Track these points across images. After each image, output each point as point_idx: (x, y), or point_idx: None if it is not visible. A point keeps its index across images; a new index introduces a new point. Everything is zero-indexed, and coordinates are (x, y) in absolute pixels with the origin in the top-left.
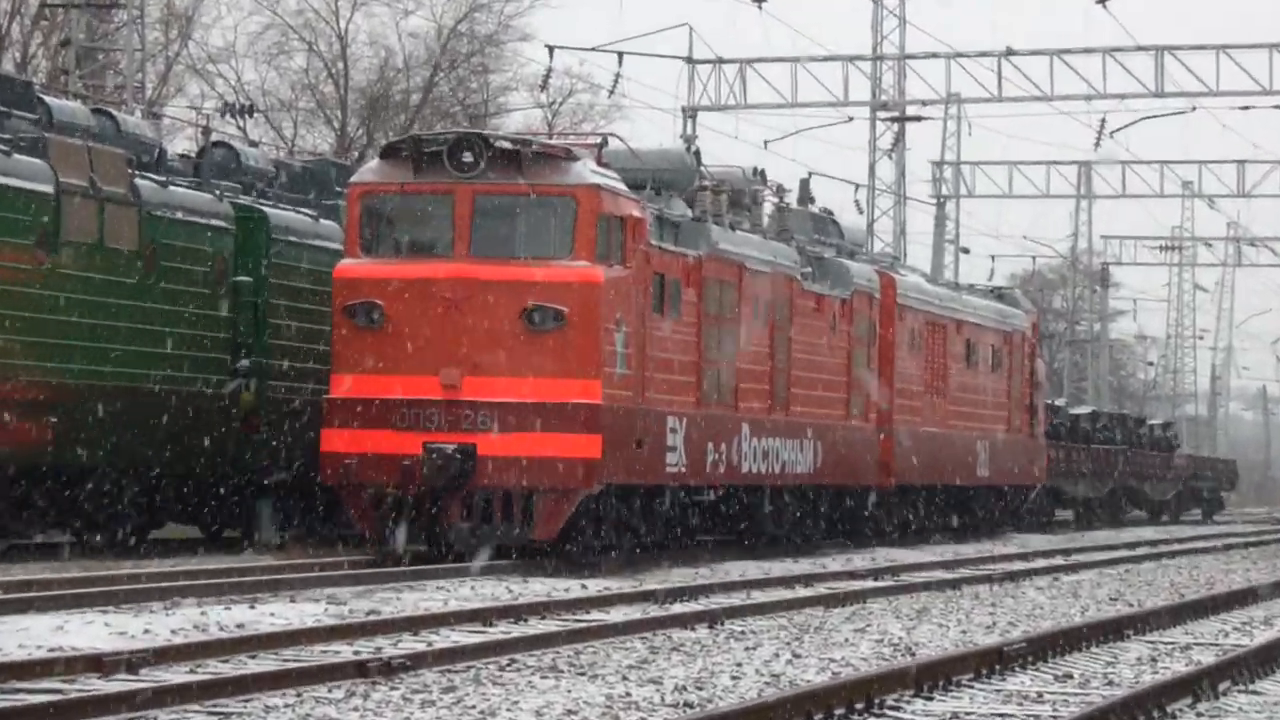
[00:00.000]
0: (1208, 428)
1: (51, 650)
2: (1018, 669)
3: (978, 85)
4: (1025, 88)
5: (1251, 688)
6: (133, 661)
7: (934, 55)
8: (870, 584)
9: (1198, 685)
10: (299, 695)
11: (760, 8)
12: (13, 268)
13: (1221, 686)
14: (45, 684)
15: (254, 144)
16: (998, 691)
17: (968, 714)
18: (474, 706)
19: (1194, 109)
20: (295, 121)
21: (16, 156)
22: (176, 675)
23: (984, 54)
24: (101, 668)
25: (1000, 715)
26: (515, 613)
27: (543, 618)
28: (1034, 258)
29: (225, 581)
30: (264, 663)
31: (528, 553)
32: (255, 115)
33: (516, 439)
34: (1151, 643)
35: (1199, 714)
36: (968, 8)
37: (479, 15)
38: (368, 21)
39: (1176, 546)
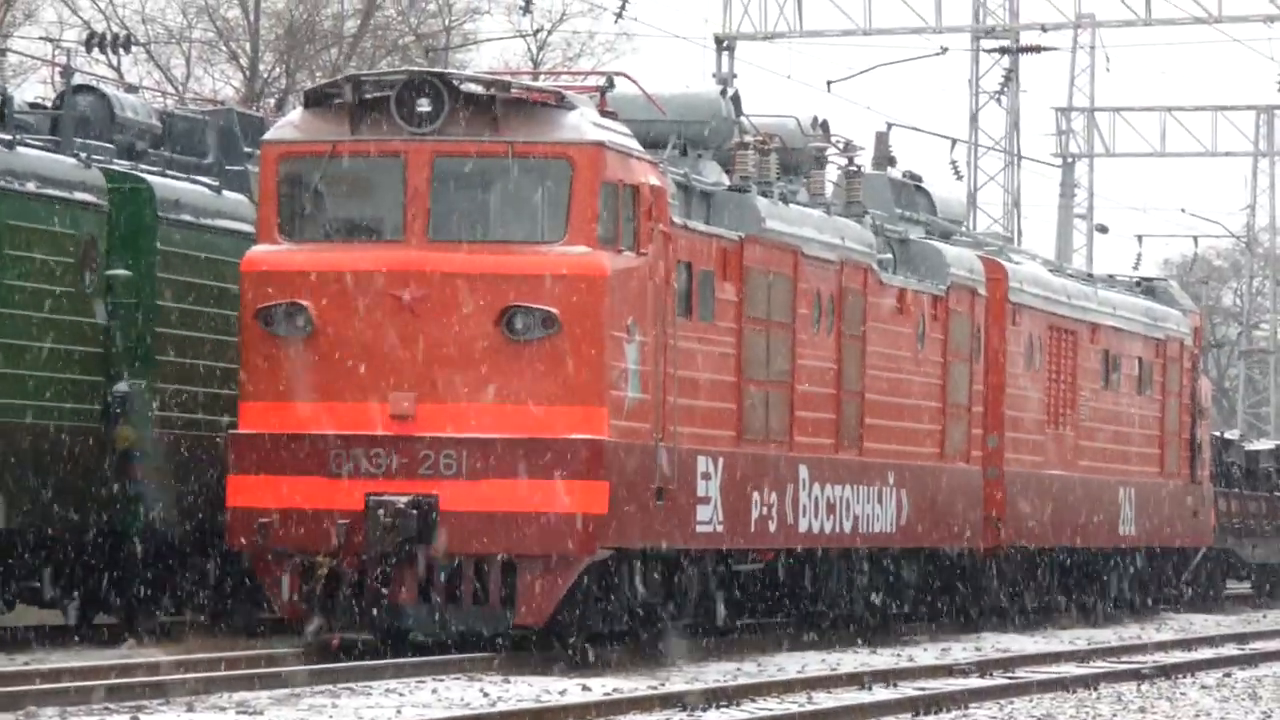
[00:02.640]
0: None
1: None
2: None
3: (1118, 2)
4: (1184, 6)
5: None
6: None
7: None
8: (974, 682)
9: None
10: None
11: None
12: None
13: None
14: None
15: (132, 88)
16: None
17: None
18: None
19: None
20: (188, 58)
21: None
22: None
23: None
24: None
25: None
26: None
27: None
28: (1195, 238)
29: (98, 684)
30: None
31: (508, 641)
32: (134, 49)
33: (492, 487)
34: None
35: None
36: None
37: None
38: None
39: None
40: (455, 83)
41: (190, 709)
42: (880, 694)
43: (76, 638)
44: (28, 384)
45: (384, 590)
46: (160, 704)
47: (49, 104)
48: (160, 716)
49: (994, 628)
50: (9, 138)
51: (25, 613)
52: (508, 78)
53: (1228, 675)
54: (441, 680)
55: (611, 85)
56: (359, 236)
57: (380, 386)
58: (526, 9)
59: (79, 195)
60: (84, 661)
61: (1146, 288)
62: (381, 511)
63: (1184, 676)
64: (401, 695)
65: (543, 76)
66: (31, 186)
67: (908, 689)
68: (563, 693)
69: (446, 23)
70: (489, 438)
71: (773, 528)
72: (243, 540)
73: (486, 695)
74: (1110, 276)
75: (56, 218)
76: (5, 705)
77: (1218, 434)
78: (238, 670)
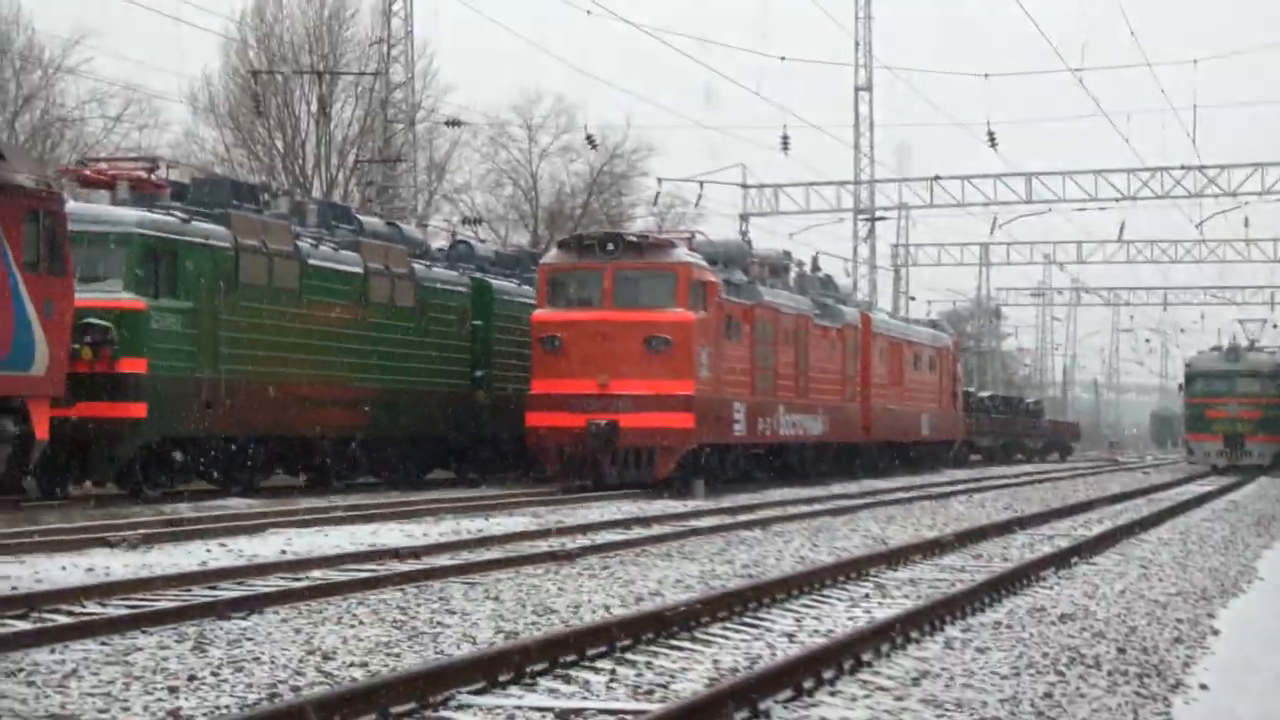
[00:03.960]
0: (1061, 403)
1: (370, 545)
2: (949, 552)
3: (918, 197)
4: (946, 199)
5: (1091, 561)
6: (417, 552)
7: (890, 180)
8: (858, 502)
9: (1058, 560)
10: (516, 571)
11: (786, 154)
12: (343, 317)
13: (1073, 560)
14: (366, 565)
15: (482, 241)
16: (937, 565)
17: (920, 578)
18: (621, 578)
19: (1049, 210)
20: (506, 227)
21: (342, 251)
22: (442, 560)
23: (922, 178)
24: (398, 556)
25: (939, 578)
26: (644, 522)
27: (660, 524)
28: (954, 301)
29: (471, 504)
30: (494, 552)
31: (650, 485)
32: (482, 224)
33: (644, 416)
34: (1030, 534)
35: (1060, 578)
36: (918, 150)
37: (616, 160)
38: (549, 165)
39: (1044, 476)
40: (624, 236)
41: (510, 515)
42: (817, 507)
43: (458, 484)
44: (447, 370)
45: (595, 463)
46: (498, 513)
47: (446, 248)
48: (498, 518)
49: (867, 477)
50: (428, 264)
51: (435, 473)
52: (648, 234)
53: (970, 497)
54: (619, 502)
55: (694, 237)
56: (582, 305)
57: (593, 372)
58: (655, 203)
59: (459, 289)
60: (461, 492)
61: (931, 323)
62: (594, 427)
63: (951, 498)
64: (602, 509)
65: (664, 233)
66: (439, 285)
67: (830, 505)
68: (675, 508)
69: (620, 210)
70: (641, 394)
71: (768, 433)
72: (534, 439)
73: (641, 509)
74: (916, 319)
75: (453, 299)
76: (430, 514)
77: (967, 389)
78: (533, 495)
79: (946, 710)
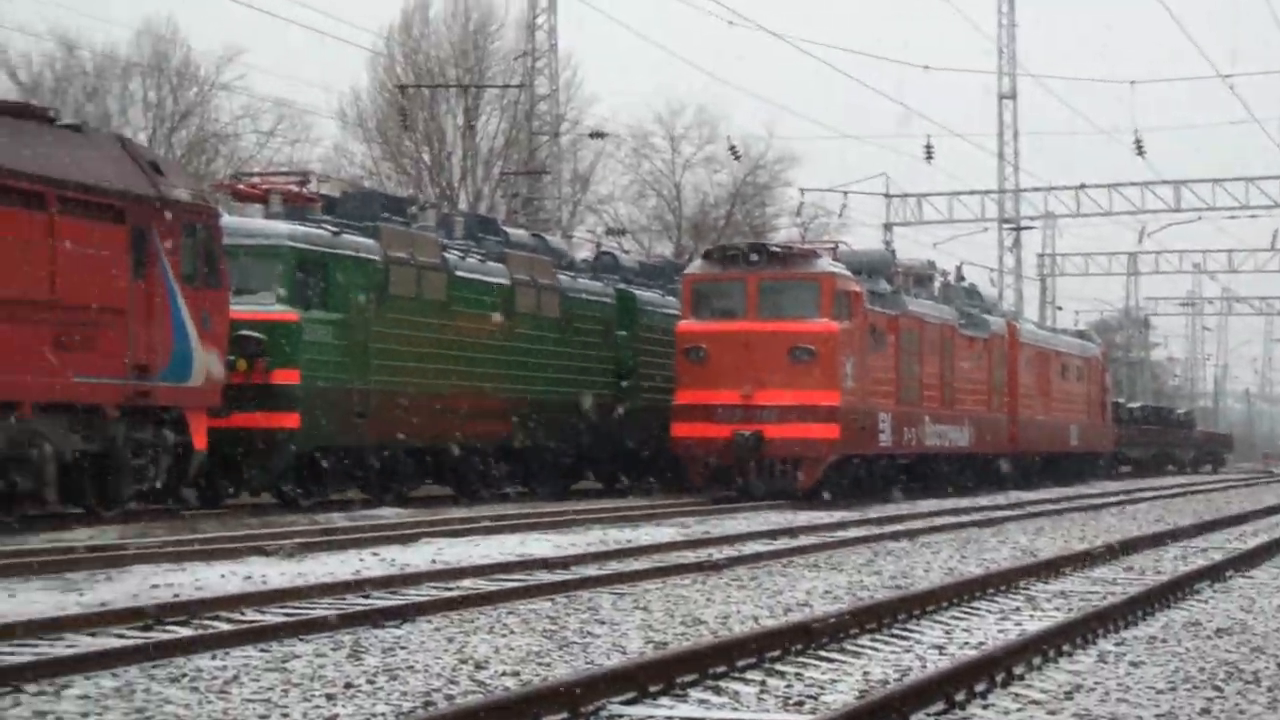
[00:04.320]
0: (1212, 414)
1: (519, 555)
2: (1100, 564)
3: (1064, 206)
4: (1093, 208)
5: (1247, 574)
6: (565, 562)
7: (1036, 189)
8: (1006, 513)
9: (1213, 573)
10: (664, 581)
11: (929, 162)
12: (489, 329)
13: (1228, 574)
14: (516, 575)
15: (626, 252)
16: (1087, 577)
17: (1071, 590)
18: (769, 589)
19: (1199, 218)
20: (650, 238)
21: (488, 263)
22: (591, 570)
23: (1068, 187)
24: (548, 566)
25: (1090, 591)
26: (790, 533)
27: (807, 535)
28: (1101, 311)
29: (620, 512)
30: (642, 562)
31: (795, 496)
32: (626, 234)
33: (788, 427)
34: (1183, 547)
35: (1214, 591)
36: (1061, 156)
37: (759, 170)
38: (692, 176)
39: (1196, 488)
40: (768, 246)
41: (657, 525)
42: (964, 518)
43: (604, 494)
44: (592, 381)
45: (740, 473)
46: (645, 524)
47: (591, 259)
48: (645, 528)
49: (1014, 488)
50: (573, 275)
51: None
52: (791, 244)
53: (1122, 509)
54: (766, 513)
55: (838, 247)
56: (726, 316)
57: (738, 382)
58: (799, 213)
59: (604, 299)
60: (608, 502)
61: (1078, 333)
62: (739, 438)
63: (1102, 510)
64: (749, 518)
65: (807, 243)
66: (585, 296)
67: (977, 516)
68: (820, 518)
69: (764, 220)
70: (786, 405)
71: (914, 443)
72: (679, 450)
73: (786, 519)
74: (1064, 329)
75: (598, 310)
76: (578, 524)
77: (1116, 400)
78: (680, 506)
79: None
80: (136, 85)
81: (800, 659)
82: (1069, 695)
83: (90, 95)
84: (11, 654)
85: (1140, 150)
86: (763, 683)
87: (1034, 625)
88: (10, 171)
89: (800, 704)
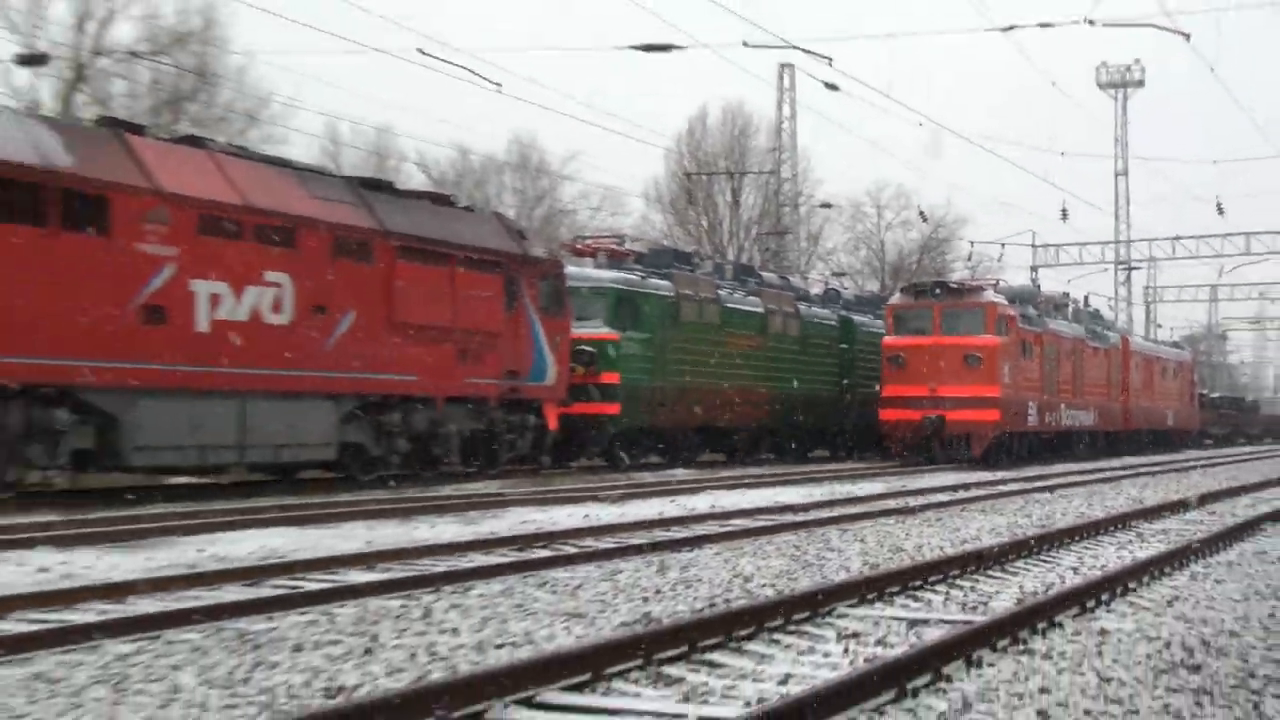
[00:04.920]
0: (1273, 402)
1: (774, 502)
2: (1190, 510)
3: (1163, 251)
4: (1184, 252)
5: None
6: (806, 507)
7: (1142, 239)
8: (1121, 473)
9: (1274, 516)
10: (875, 521)
11: (1064, 221)
12: (750, 344)
13: None
14: (771, 516)
15: (845, 288)
16: (1182, 519)
17: (1169, 529)
18: (950, 526)
19: (1266, 259)
20: (861, 278)
21: (749, 297)
22: (823, 513)
23: (1166, 238)
24: (793, 510)
25: (1183, 529)
26: (965, 487)
27: (976, 489)
28: (1191, 327)
29: (843, 473)
30: (859, 508)
31: (967, 462)
32: (845, 275)
33: (963, 412)
34: (1252, 497)
35: (1276, 528)
36: (1161, 213)
37: (940, 229)
38: (892, 234)
39: (1261, 456)
40: (949, 283)
41: (869, 481)
42: (1091, 477)
43: (831, 460)
44: (822, 380)
45: (929, 446)
46: (863, 480)
47: (821, 293)
48: (862, 483)
49: (1127, 456)
50: (808, 305)
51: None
52: (964, 281)
53: (1206, 470)
54: (946, 474)
55: (998, 283)
56: (918, 333)
57: (926, 380)
58: (969, 259)
59: (831, 322)
60: (834, 466)
61: (1174, 344)
62: (928, 421)
63: (1192, 470)
64: (934, 476)
65: (976, 280)
66: (817, 320)
67: (1101, 475)
68: (987, 476)
69: (943, 265)
70: (961, 396)
71: (1053, 424)
72: (884, 428)
73: (962, 479)
74: (1162, 341)
75: (826, 330)
76: (814, 480)
77: (1201, 392)
78: (884, 468)
79: (1193, 624)
80: (508, 178)
81: (973, 577)
82: (1169, 603)
83: (477, 185)
84: (433, 566)
85: (1220, 211)
86: (947, 593)
87: (1143, 553)
88: (429, 240)
89: (974, 608)
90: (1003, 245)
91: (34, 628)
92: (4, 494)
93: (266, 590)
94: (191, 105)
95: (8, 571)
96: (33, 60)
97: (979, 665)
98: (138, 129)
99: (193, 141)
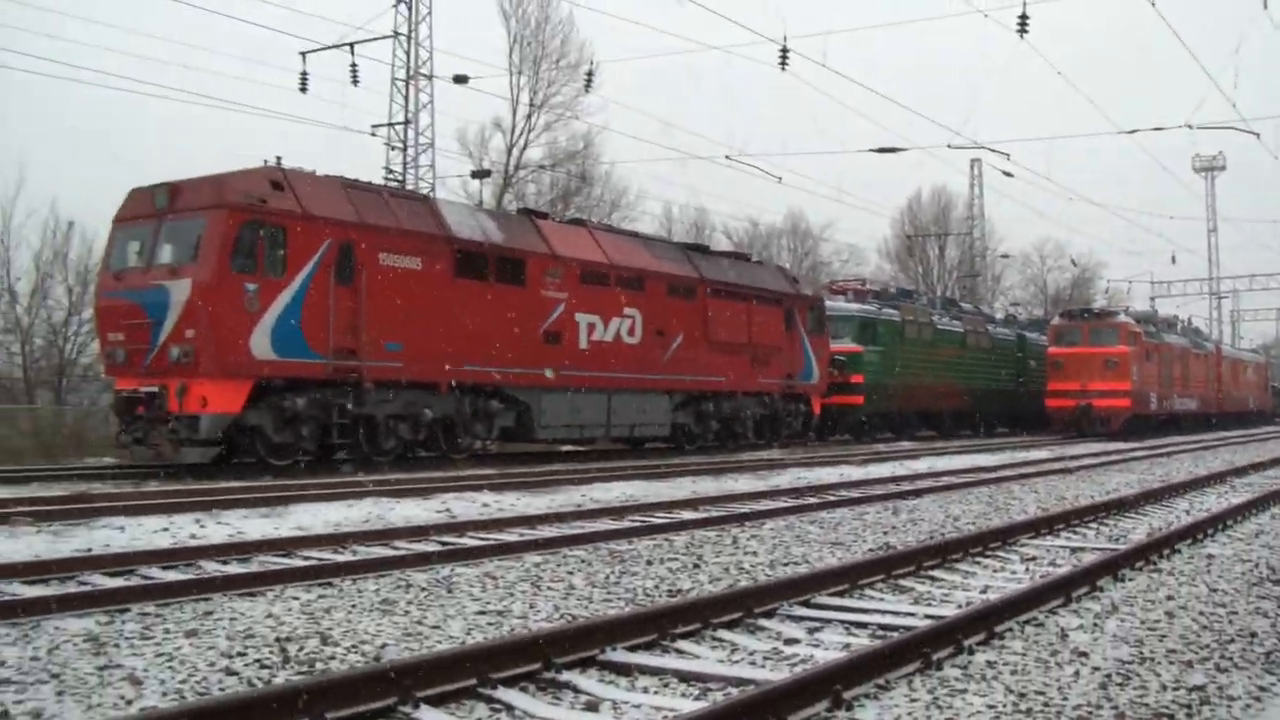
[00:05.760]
0: None
1: (971, 465)
2: (1270, 469)
3: (1247, 285)
4: (1263, 285)
5: None
6: (994, 468)
7: (1231, 276)
8: (1216, 443)
9: None
10: (1044, 478)
11: (1174, 264)
12: (953, 354)
13: None
14: (970, 474)
15: (1019, 313)
16: (1264, 475)
17: (1253, 482)
18: (1097, 481)
19: None
20: (1030, 306)
21: (953, 321)
22: (1007, 472)
23: (1248, 275)
24: (986, 470)
25: (1265, 481)
26: (1106, 454)
27: (1114, 455)
28: (1265, 340)
29: (1019, 444)
30: (1032, 468)
31: (1107, 436)
32: (1019, 305)
33: (1104, 401)
34: None
35: None
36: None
37: (1086, 270)
38: (1051, 276)
39: None
40: (1091, 309)
41: (1037, 450)
42: (1195, 446)
43: (1010, 435)
44: (1003, 379)
45: (1080, 422)
46: (1034, 450)
47: (1006, 319)
48: (1034, 452)
49: (1220, 430)
50: (996, 325)
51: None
52: (1104, 308)
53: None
54: (1091, 444)
55: (1128, 309)
56: (1072, 345)
57: (1078, 378)
58: (1106, 292)
59: (1010, 338)
60: (1013, 439)
61: (1253, 351)
62: (1080, 406)
63: (1268, 440)
64: (1085, 446)
65: (1111, 306)
66: (1000, 337)
67: (1201, 445)
68: (1119, 446)
69: (1088, 296)
70: (1103, 389)
71: (1168, 409)
72: (1049, 413)
73: (1104, 446)
74: (1245, 349)
75: (1007, 344)
76: (1019, 448)
77: (1275, 384)
78: (1047, 440)
79: (1275, 550)
80: (785, 240)
81: (1115, 517)
82: (1256, 535)
83: (764, 246)
84: (737, 508)
85: None
86: (1097, 529)
87: (1236, 499)
88: (732, 284)
89: (1117, 540)
90: (1130, 282)
91: (481, 543)
92: (460, 455)
93: (626, 523)
94: (576, 198)
95: (463, 505)
96: (480, 174)
97: (1122, 580)
98: (542, 215)
99: (576, 222)
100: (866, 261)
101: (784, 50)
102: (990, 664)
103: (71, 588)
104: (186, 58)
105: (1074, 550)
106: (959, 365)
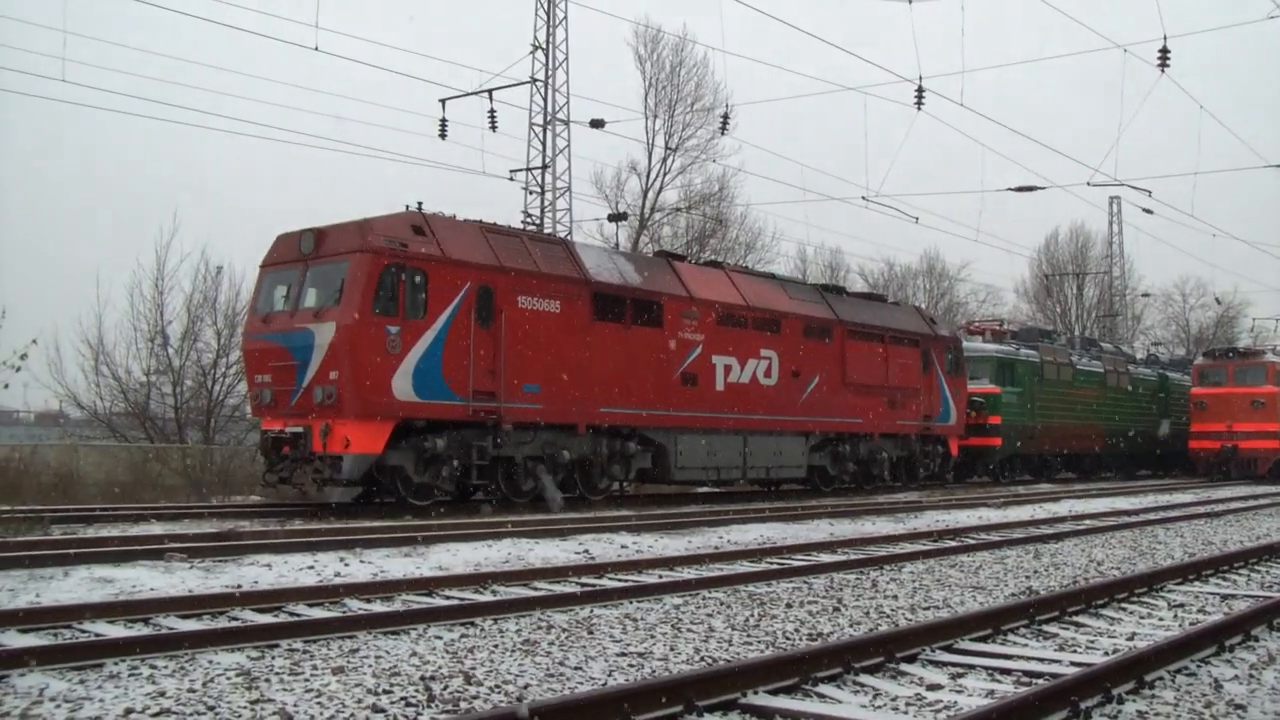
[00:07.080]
0: None
1: (1111, 508)
2: None
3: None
4: None
5: None
6: (1137, 511)
7: None
8: None
9: None
10: (1189, 521)
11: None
12: (1095, 395)
13: None
14: (1113, 518)
15: (1161, 353)
16: None
17: None
18: (1245, 525)
19: None
20: (1172, 346)
21: (1093, 361)
22: (1150, 516)
23: None
24: (1128, 514)
25: None
26: (1255, 497)
27: (1263, 499)
28: None
29: (1163, 487)
30: (1176, 512)
31: (1256, 479)
32: (1160, 345)
33: (1251, 443)
34: None
35: None
36: None
37: (1229, 310)
38: (1194, 314)
39: None
40: (1236, 348)
41: (1181, 493)
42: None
43: (1152, 478)
44: (1146, 420)
45: (1223, 466)
46: (1177, 494)
47: (1146, 359)
48: (1177, 495)
49: None
50: (1137, 365)
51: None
52: (1248, 347)
53: None
54: (1238, 487)
55: (1276, 347)
56: (1216, 385)
57: (1223, 420)
58: (1251, 329)
59: (1151, 378)
60: (1155, 481)
61: None
62: (1225, 448)
63: None
64: (1231, 489)
65: (1256, 344)
66: (1142, 376)
67: None
68: (1267, 487)
69: (1233, 335)
70: (1249, 431)
71: (1231, 432)
72: (1192, 455)
73: (1251, 489)
74: None
75: (1148, 384)
76: (1161, 491)
77: None
78: (1191, 483)
79: None
80: (921, 280)
81: (1268, 563)
82: None
83: (900, 286)
84: (875, 551)
85: None
86: (1248, 575)
87: None
88: (868, 325)
89: (1269, 587)
90: (1277, 320)
91: (620, 584)
92: (597, 496)
93: (765, 565)
94: (711, 240)
95: (601, 547)
96: (617, 218)
97: (1278, 629)
98: (679, 257)
99: (713, 264)
100: (1004, 301)
101: (919, 89)
102: (1141, 714)
103: (223, 623)
104: (338, 108)
105: (1224, 597)
106: (1099, 406)
